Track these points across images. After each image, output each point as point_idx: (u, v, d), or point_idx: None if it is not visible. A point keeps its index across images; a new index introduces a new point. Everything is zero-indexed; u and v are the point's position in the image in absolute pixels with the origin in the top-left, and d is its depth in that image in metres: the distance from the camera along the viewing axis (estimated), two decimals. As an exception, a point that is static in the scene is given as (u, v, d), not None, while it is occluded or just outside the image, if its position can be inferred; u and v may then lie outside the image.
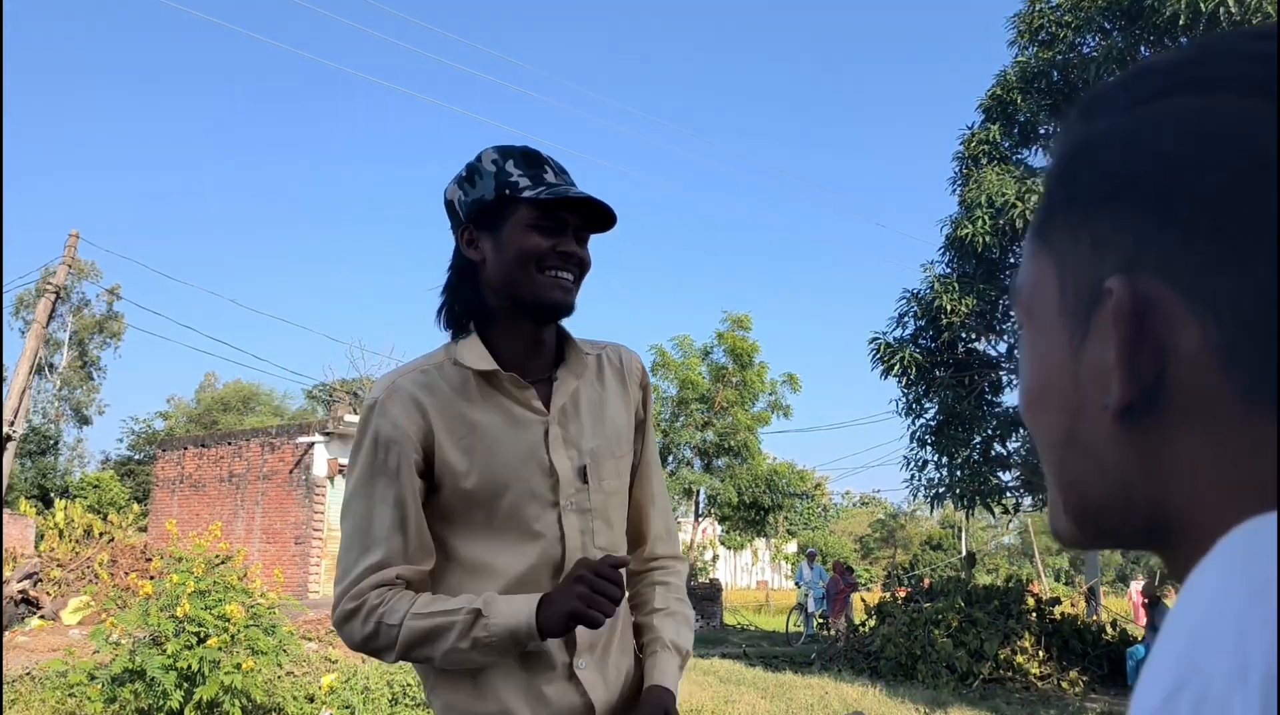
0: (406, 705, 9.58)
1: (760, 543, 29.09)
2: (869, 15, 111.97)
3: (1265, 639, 0.43)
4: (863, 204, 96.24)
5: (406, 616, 1.92)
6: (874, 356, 16.68)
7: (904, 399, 17.09)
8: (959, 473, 16.44)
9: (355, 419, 16.37)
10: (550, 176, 1.99)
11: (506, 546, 2.03)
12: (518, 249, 1.97)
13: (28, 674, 9.79)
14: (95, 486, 37.83)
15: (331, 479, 18.75)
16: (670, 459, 24.54)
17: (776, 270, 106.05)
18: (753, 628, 22.91)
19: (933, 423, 16.91)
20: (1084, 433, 0.59)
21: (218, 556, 9.10)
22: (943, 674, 13.60)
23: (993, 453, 16.69)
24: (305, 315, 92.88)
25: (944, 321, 15.84)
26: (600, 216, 2.01)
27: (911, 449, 17.25)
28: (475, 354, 2.03)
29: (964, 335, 16.43)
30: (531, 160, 2.01)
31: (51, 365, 46.65)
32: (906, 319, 16.95)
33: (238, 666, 8.07)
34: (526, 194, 1.95)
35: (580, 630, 2.00)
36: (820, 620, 19.96)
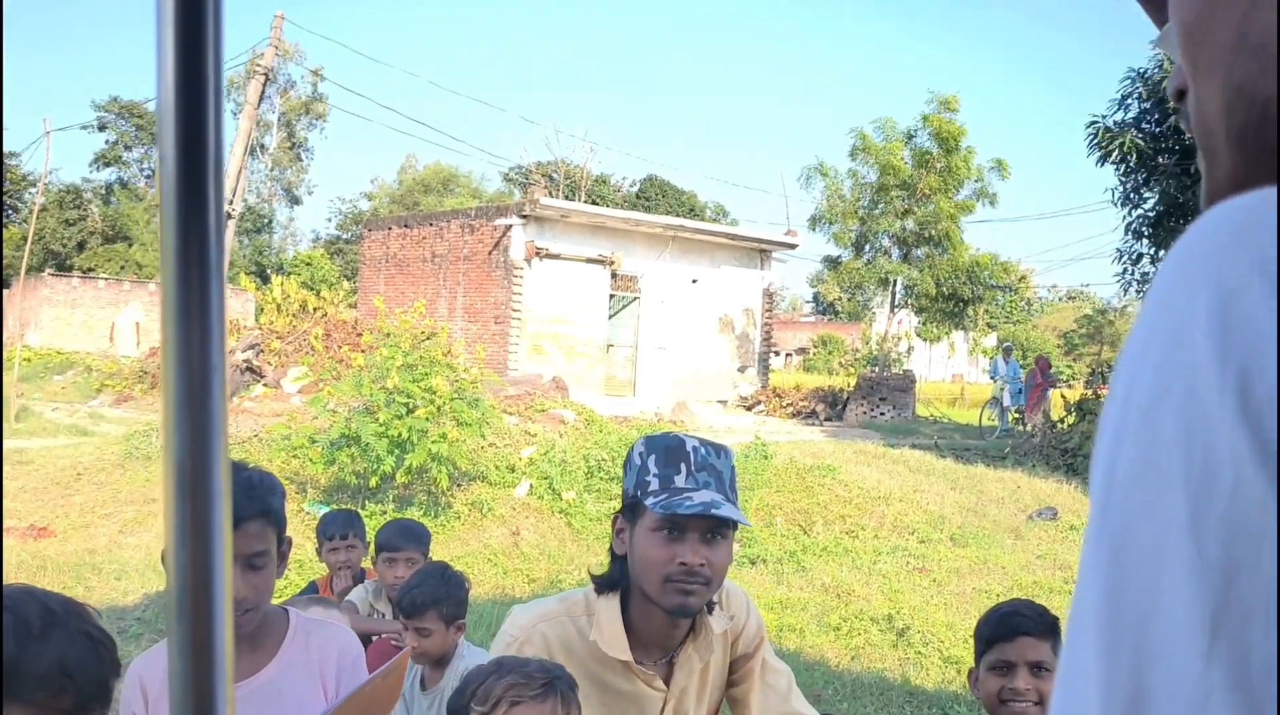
0: (601, 478, 9.92)
1: (958, 336, 28.45)
2: None
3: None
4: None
5: None
6: (1091, 141, 15.62)
7: (1121, 188, 16.06)
8: (1177, 267, 15.45)
9: (552, 202, 16.50)
10: (681, 478, 2.01)
11: None
12: (642, 556, 2.03)
13: (255, 436, 10.53)
14: (307, 264, 39.77)
15: (529, 261, 19.10)
16: (867, 248, 23.88)
17: (987, 48, 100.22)
18: (945, 420, 22.69)
19: (1151, 214, 15.89)
20: (1256, 27, 0.51)
21: (423, 333, 9.45)
22: (1144, 474, 13.20)
23: (1216, 247, 15.60)
24: (500, 96, 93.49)
25: (1171, 104, 14.61)
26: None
27: (1126, 241, 16.35)
28: (613, 638, 2.10)
29: (1193, 119, 15.15)
30: (672, 456, 2.03)
31: (263, 146, 48.68)
32: (1130, 101, 15.71)
33: (444, 436, 8.45)
34: (649, 502, 1.99)
35: None
36: (1015, 416, 19.57)
